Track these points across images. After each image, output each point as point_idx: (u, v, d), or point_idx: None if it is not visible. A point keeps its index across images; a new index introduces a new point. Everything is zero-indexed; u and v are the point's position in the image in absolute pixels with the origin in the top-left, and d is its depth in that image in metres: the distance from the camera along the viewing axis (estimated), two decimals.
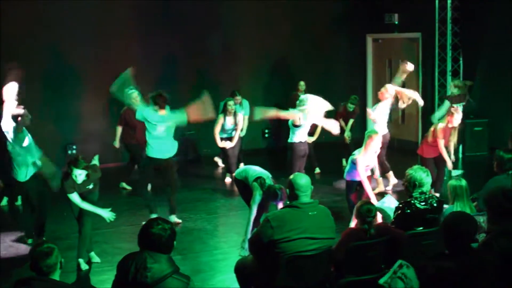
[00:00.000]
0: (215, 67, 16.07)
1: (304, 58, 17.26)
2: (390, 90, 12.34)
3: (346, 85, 17.63)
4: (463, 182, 7.57)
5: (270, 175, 9.30)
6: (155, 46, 15.57)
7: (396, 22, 17.01)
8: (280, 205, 8.94)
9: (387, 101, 12.39)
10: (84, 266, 8.84)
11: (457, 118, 11.29)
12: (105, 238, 9.92)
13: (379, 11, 17.36)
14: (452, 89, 13.60)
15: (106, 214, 8.89)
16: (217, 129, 13.25)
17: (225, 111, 13.24)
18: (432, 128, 11.47)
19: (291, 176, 6.50)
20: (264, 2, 16.54)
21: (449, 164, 11.36)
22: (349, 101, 14.46)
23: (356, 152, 10.10)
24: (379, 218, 8.26)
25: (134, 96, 11.74)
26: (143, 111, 10.50)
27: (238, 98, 14.06)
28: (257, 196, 9.01)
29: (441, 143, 11.16)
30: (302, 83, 15.18)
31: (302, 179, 6.38)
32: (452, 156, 12.04)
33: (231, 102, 13.31)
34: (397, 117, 17.40)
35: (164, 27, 15.58)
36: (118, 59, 15.06)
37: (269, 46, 16.85)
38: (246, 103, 14.37)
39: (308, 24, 17.23)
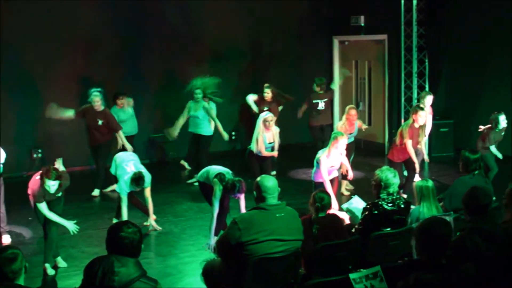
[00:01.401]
0: (183, 68, 15.98)
1: (270, 60, 17.27)
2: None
3: (312, 87, 17.67)
4: (430, 183, 7.62)
5: (230, 172, 9.35)
6: (121, 46, 15.47)
7: (362, 24, 17.08)
8: (242, 199, 9.12)
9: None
10: (50, 271, 8.76)
11: (422, 116, 11.33)
12: (72, 243, 9.83)
13: (345, 13, 17.42)
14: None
15: (71, 226, 8.84)
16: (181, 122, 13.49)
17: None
18: (399, 130, 11.52)
19: (258, 178, 6.49)
20: (230, 2, 16.51)
21: (417, 166, 11.38)
22: (315, 83, 14.52)
23: (320, 152, 10.19)
24: (346, 219, 8.31)
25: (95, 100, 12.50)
26: None
27: (205, 98, 14.04)
28: (218, 192, 9.08)
29: (409, 143, 11.19)
30: (267, 85, 15.22)
31: (269, 181, 6.37)
32: (426, 157, 12.10)
33: (198, 91, 13.38)
34: (364, 119, 17.48)
35: (129, 27, 15.46)
36: (83, 61, 15.01)
37: (235, 48, 16.81)
38: (213, 105, 14.34)
39: (274, 26, 17.21)
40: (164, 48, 15.96)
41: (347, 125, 12.15)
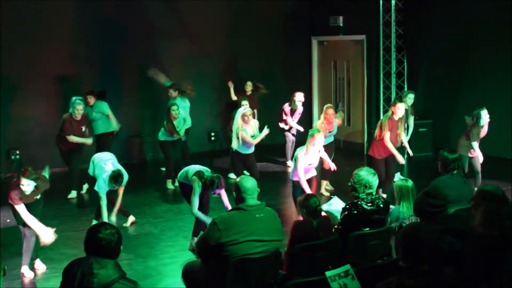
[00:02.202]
0: (159, 67, 15.91)
1: (249, 60, 17.25)
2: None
3: (291, 87, 17.67)
4: (409, 183, 7.63)
5: (209, 170, 9.37)
6: (97, 46, 15.37)
7: (341, 25, 17.12)
8: (223, 195, 9.21)
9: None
10: (28, 274, 8.70)
11: (400, 108, 11.31)
12: (51, 245, 9.75)
13: (324, 13, 17.46)
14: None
15: (47, 237, 8.70)
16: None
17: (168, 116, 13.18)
18: (378, 123, 11.54)
19: (238, 179, 6.49)
20: (209, 2, 16.47)
21: (399, 159, 11.38)
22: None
23: (298, 149, 10.20)
24: None
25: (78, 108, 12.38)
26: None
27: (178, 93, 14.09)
28: (197, 188, 9.09)
29: (387, 136, 11.18)
30: (249, 83, 15.24)
31: (248, 182, 6.37)
32: (410, 151, 12.08)
33: (175, 107, 13.14)
34: (343, 120, 17.53)
35: (111, 26, 15.38)
36: (61, 62, 14.92)
37: (213, 47, 16.79)
38: (185, 100, 14.30)
39: (253, 26, 17.21)
40: (146, 48, 15.88)
41: (325, 124, 12.21)
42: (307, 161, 10.01)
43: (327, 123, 12.26)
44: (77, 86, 14.62)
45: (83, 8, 15.16)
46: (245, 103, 13.59)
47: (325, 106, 12.54)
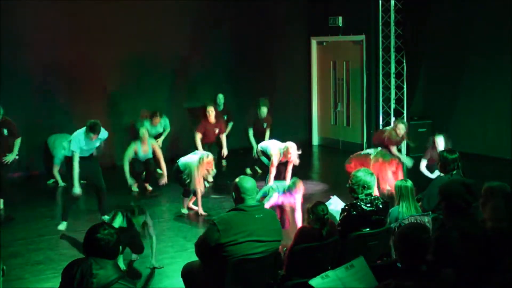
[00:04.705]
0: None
1: (247, 62, 17.22)
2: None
3: (291, 88, 17.70)
4: (409, 183, 7.64)
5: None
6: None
7: (340, 25, 17.12)
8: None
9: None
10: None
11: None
12: (50, 245, 9.77)
13: (323, 14, 17.45)
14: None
15: None
16: (129, 156, 12.61)
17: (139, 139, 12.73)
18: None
19: (237, 180, 6.49)
20: (204, 2, 16.41)
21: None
22: (261, 104, 14.28)
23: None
24: None
25: None
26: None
27: (157, 118, 13.99)
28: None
29: None
30: (220, 96, 15.08)
31: (248, 182, 6.37)
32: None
33: (143, 130, 12.68)
34: (342, 120, 17.55)
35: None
36: (53, 66, 14.76)
37: (211, 47, 16.75)
38: (166, 120, 14.29)
39: (250, 26, 17.17)
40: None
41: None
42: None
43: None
44: (66, 89, 14.52)
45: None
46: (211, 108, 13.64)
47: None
